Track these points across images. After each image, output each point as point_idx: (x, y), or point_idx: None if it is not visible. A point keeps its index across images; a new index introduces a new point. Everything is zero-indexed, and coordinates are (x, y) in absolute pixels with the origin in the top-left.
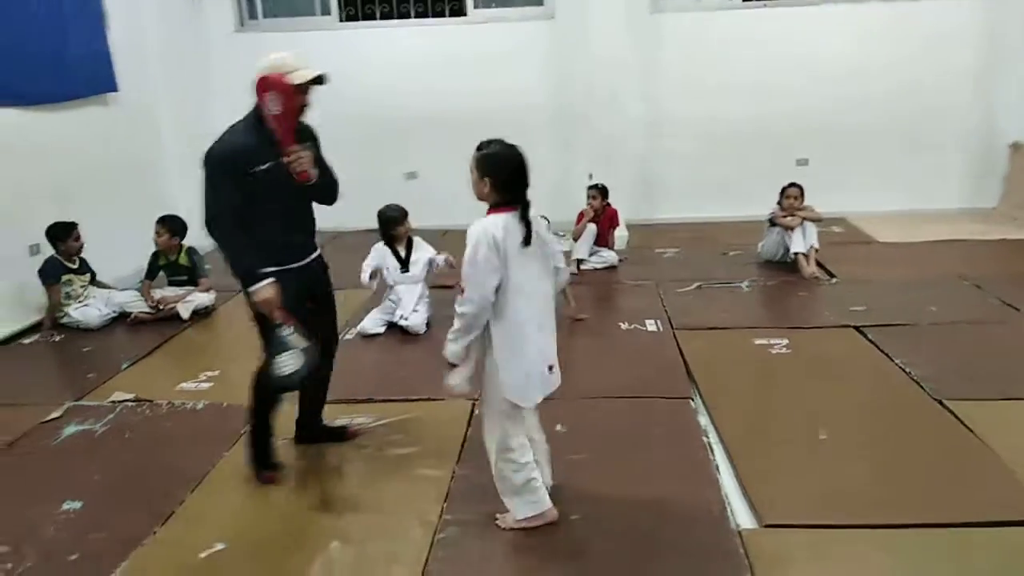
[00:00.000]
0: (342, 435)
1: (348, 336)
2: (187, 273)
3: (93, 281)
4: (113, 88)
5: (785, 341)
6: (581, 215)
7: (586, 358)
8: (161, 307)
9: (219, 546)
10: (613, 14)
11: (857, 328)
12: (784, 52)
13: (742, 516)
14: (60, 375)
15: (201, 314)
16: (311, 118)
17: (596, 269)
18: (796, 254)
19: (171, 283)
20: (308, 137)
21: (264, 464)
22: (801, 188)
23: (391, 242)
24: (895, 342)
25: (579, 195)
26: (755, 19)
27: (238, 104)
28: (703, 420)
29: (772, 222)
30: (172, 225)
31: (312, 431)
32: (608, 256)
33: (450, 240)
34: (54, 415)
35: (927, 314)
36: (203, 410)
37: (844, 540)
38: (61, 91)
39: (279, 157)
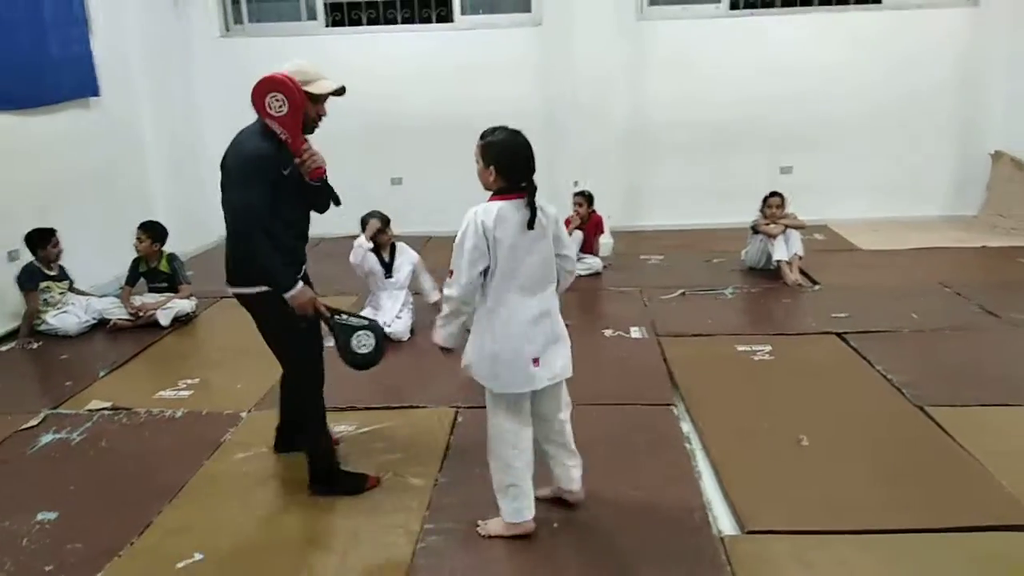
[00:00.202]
0: None
1: (330, 343)
2: (167, 280)
3: (71, 288)
4: (95, 92)
5: (768, 348)
6: (567, 222)
7: None
8: (141, 314)
9: (198, 556)
10: (600, 21)
11: (839, 335)
12: (769, 61)
13: (724, 522)
14: (37, 383)
15: (181, 321)
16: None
17: (581, 276)
18: (779, 261)
19: (151, 290)
20: None
21: (351, 475)
22: (783, 196)
23: (375, 249)
24: (877, 349)
25: (565, 201)
26: (741, 28)
27: (223, 109)
28: (686, 427)
29: (755, 230)
30: (153, 231)
31: (294, 439)
32: (593, 263)
33: (434, 247)
34: (30, 423)
35: (909, 321)
36: (182, 418)
37: (826, 546)
38: (42, 95)
39: (292, 161)
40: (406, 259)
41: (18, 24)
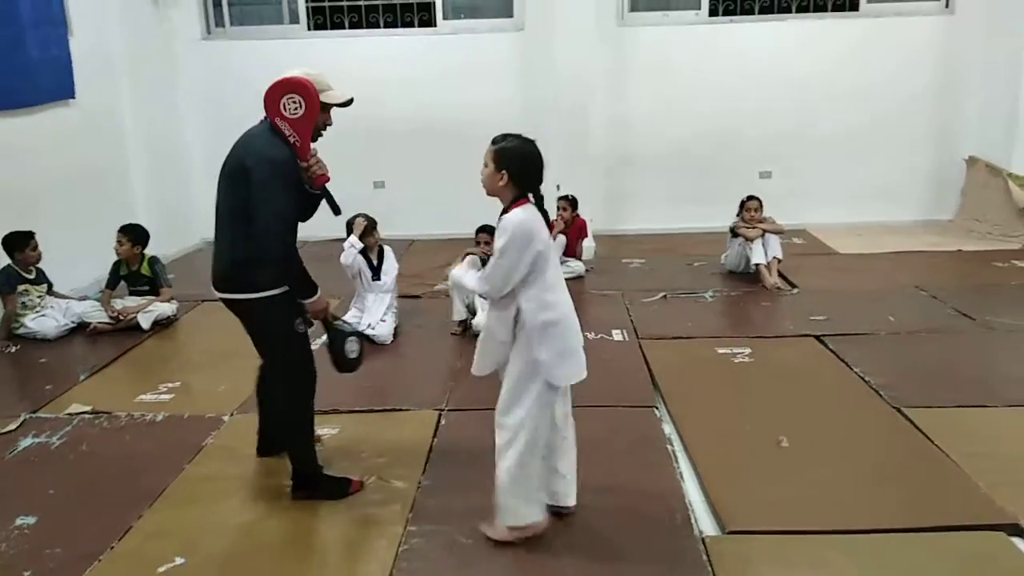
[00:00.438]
0: None
1: (314, 346)
2: (148, 283)
3: (50, 291)
4: (71, 95)
5: (748, 350)
6: (551, 226)
7: None
8: (122, 318)
9: (179, 560)
10: (582, 27)
11: (817, 337)
12: (749, 67)
13: (705, 523)
14: (15, 387)
15: (162, 324)
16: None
17: (564, 279)
18: (757, 265)
19: (132, 293)
20: None
21: (335, 479)
22: (760, 201)
23: (363, 251)
24: (854, 351)
25: (548, 205)
26: (721, 34)
27: (205, 112)
28: (667, 428)
29: (734, 232)
30: (134, 234)
31: (275, 441)
32: (576, 266)
33: (417, 250)
34: (9, 428)
35: (886, 324)
36: (163, 422)
37: (806, 545)
38: (19, 97)
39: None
40: (392, 263)
41: None
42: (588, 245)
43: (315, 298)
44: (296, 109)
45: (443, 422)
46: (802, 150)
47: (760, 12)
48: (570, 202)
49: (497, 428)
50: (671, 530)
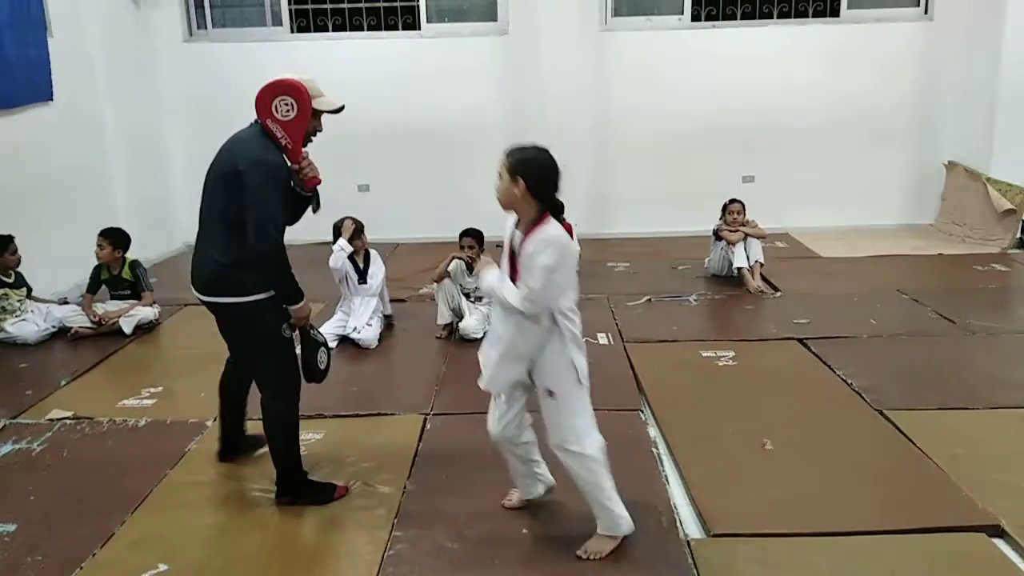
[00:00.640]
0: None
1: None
2: (130, 287)
3: (30, 295)
4: (48, 97)
5: (731, 353)
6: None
7: None
8: (103, 322)
9: (162, 567)
10: (565, 31)
11: (801, 340)
12: (731, 71)
13: (690, 526)
14: None
15: (144, 329)
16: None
17: None
18: (739, 269)
19: (113, 297)
20: None
21: (319, 484)
22: (742, 204)
23: (350, 255)
24: (837, 354)
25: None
26: (703, 39)
27: (187, 114)
28: (652, 431)
29: (717, 235)
30: (115, 238)
31: (238, 443)
32: None
33: (402, 252)
34: None
35: (868, 327)
36: (145, 427)
37: (791, 548)
38: None
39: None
40: (379, 267)
41: None
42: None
43: (300, 304)
44: (288, 112)
45: (428, 426)
46: (784, 155)
47: (742, 17)
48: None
49: (570, 456)
50: (656, 533)
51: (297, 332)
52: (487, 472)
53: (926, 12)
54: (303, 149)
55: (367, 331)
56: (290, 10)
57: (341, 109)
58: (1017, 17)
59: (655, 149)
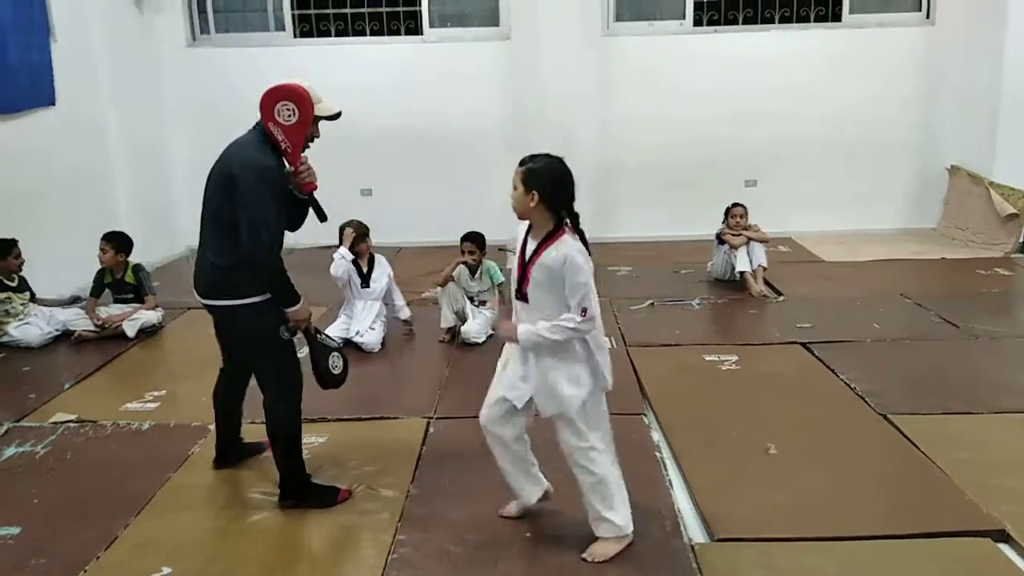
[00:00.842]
0: (262, 449)
1: (302, 354)
2: (133, 291)
3: (33, 299)
4: (51, 101)
5: (735, 358)
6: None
7: None
8: (107, 326)
9: (166, 570)
10: (567, 36)
11: (804, 345)
12: (733, 76)
13: (694, 530)
14: None
15: (147, 332)
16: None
17: None
18: (742, 273)
19: (117, 301)
20: None
21: (323, 487)
22: (745, 208)
23: (353, 259)
24: (840, 358)
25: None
26: (705, 43)
27: (190, 119)
28: (656, 436)
29: (720, 238)
30: (117, 242)
31: (234, 451)
32: None
33: (405, 257)
34: None
35: (871, 331)
36: (149, 431)
37: (795, 553)
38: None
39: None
40: (383, 271)
41: None
42: None
43: (297, 307)
44: (290, 116)
45: (431, 430)
46: (786, 159)
47: (744, 22)
48: None
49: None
50: (661, 538)
51: (303, 337)
52: (491, 475)
53: (928, 17)
54: (303, 154)
55: (370, 335)
56: (293, 15)
57: (338, 115)
58: (1019, 22)
59: (657, 153)
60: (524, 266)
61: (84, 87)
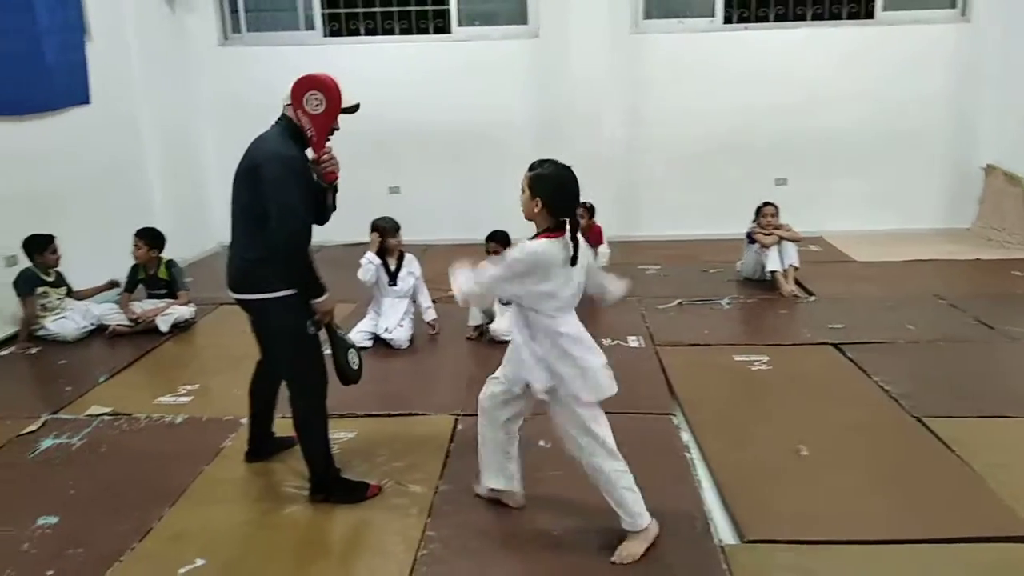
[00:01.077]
0: (292, 443)
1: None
2: (166, 286)
3: (69, 294)
4: (85, 101)
5: (765, 358)
6: (596, 234)
7: None
8: (140, 321)
9: (199, 562)
10: (596, 34)
11: (835, 345)
12: (764, 73)
13: (724, 531)
14: (36, 388)
15: (180, 327)
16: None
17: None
18: (772, 272)
19: (150, 296)
20: None
21: (353, 483)
22: (776, 207)
23: (382, 254)
24: (873, 360)
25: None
26: (736, 41)
27: (221, 117)
28: (685, 436)
29: (751, 237)
30: (151, 238)
31: (266, 446)
32: None
33: (432, 255)
34: (30, 428)
35: (904, 332)
36: (182, 424)
37: (826, 556)
38: (35, 102)
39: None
40: (412, 269)
41: (13, 30)
42: (604, 251)
43: (323, 298)
44: (317, 106)
45: (459, 427)
46: (818, 157)
47: (775, 19)
48: (587, 209)
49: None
50: (690, 538)
51: (325, 331)
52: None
53: (963, 13)
54: (328, 144)
55: (399, 331)
56: (323, 14)
57: (356, 108)
58: None
59: (686, 151)
60: None
61: (118, 86)
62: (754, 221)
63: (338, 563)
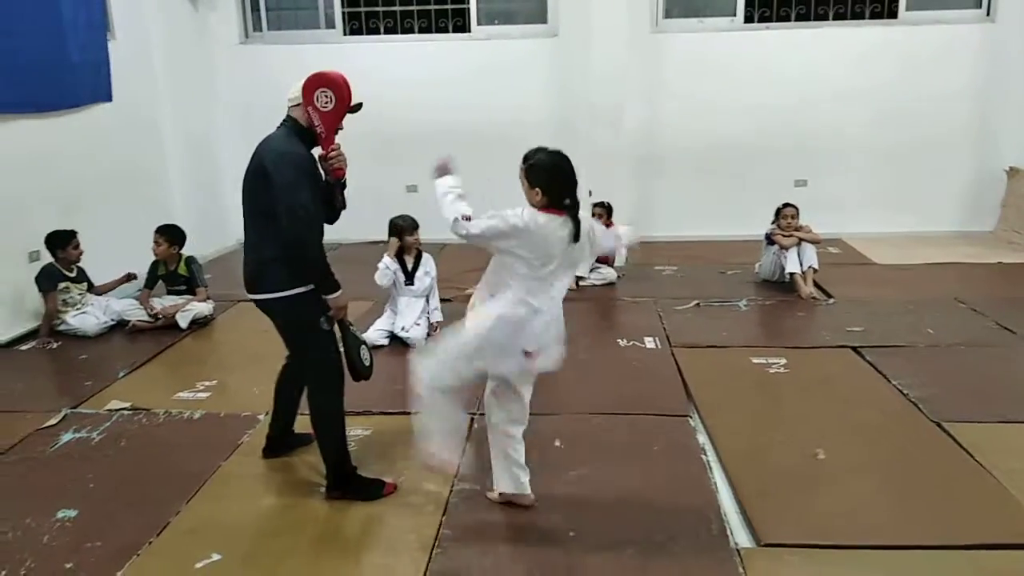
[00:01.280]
0: (310, 440)
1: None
2: (186, 283)
3: (90, 289)
4: (107, 98)
5: (783, 360)
6: (608, 223)
7: (585, 374)
8: (160, 317)
9: (215, 556)
10: (616, 33)
11: (854, 349)
12: (784, 73)
13: (740, 535)
14: (57, 382)
15: (199, 323)
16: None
17: (595, 285)
18: (791, 274)
19: (170, 292)
20: None
21: (369, 480)
22: (796, 208)
23: (400, 253)
24: (893, 363)
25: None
26: (756, 40)
27: (242, 115)
28: (701, 438)
29: (770, 239)
30: (171, 234)
31: (284, 442)
32: (607, 273)
33: (449, 254)
34: (50, 422)
35: (924, 336)
36: (200, 420)
37: (842, 561)
38: (60, 99)
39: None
40: (428, 269)
41: (37, 28)
42: (625, 231)
43: (337, 294)
44: (327, 103)
45: (475, 425)
46: (838, 158)
47: (797, 19)
48: (605, 209)
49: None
50: (707, 542)
51: (337, 327)
52: (535, 471)
53: (988, 13)
54: (337, 140)
55: (415, 330)
56: (343, 13)
57: (359, 106)
58: None
59: (705, 151)
60: None
61: (140, 84)
62: (773, 222)
63: (353, 559)
